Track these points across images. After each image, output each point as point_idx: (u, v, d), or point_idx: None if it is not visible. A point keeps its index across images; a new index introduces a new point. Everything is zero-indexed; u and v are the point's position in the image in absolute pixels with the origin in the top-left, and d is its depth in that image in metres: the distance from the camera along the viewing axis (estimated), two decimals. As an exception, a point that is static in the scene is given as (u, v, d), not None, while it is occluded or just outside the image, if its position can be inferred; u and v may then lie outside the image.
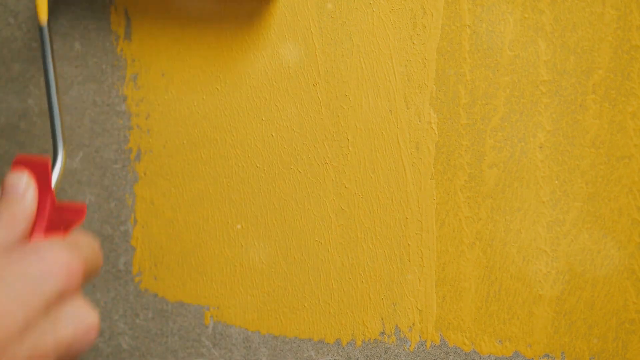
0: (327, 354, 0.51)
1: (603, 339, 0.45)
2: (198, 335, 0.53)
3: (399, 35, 0.46)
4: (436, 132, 0.46)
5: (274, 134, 0.50)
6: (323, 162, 0.49)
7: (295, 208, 0.50)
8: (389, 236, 0.48)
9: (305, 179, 0.50)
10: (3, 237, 0.34)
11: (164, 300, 0.54)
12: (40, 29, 0.48)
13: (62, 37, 0.53)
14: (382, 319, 0.49)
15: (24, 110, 0.55)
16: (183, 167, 0.52)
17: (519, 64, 0.44)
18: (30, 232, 0.36)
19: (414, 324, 0.48)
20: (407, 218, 0.48)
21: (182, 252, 0.53)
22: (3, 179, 0.37)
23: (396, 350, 0.49)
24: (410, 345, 0.49)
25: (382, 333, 0.49)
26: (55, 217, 0.38)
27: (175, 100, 0.52)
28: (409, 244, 0.48)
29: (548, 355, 0.46)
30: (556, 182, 0.45)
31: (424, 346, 0.48)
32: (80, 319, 0.34)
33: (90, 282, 0.55)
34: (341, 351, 0.50)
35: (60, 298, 0.33)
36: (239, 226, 0.51)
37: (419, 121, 0.47)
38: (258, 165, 0.50)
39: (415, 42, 0.46)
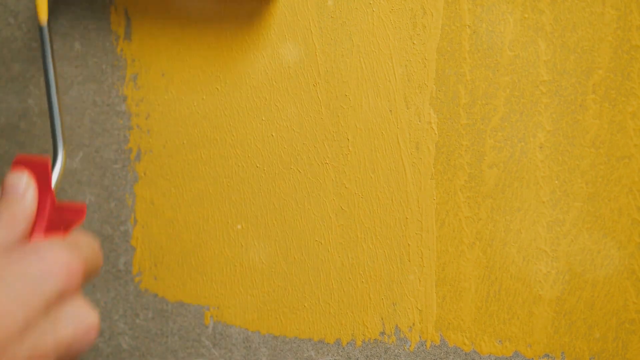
0: (327, 354, 0.51)
1: (603, 339, 0.45)
2: (198, 335, 0.53)
3: (399, 35, 0.46)
4: (436, 132, 0.46)
5: (274, 134, 0.50)
6: (323, 162, 0.49)
7: (295, 208, 0.50)
8: (389, 236, 0.48)
9: (305, 179, 0.50)
10: (3, 237, 0.34)
11: (164, 300, 0.54)
12: (40, 29, 0.48)
13: (62, 37, 0.53)
14: (382, 319, 0.49)
15: (24, 110, 0.55)
16: (183, 167, 0.52)
17: (519, 64, 0.44)
18: (30, 232, 0.36)
19: (414, 324, 0.48)
20: (407, 218, 0.48)
21: (182, 252, 0.53)
22: (3, 179, 0.37)
23: (396, 350, 0.49)
24: (410, 345, 0.49)
25: (382, 333, 0.49)
26: (55, 217, 0.38)
27: (175, 100, 0.52)
28: (409, 244, 0.48)
29: (548, 355, 0.46)
30: (556, 182, 0.45)
31: (424, 346, 0.48)
32: (80, 319, 0.34)
33: (90, 282, 0.55)
34: (341, 351, 0.50)
35: (60, 298, 0.33)
36: (239, 226, 0.51)
37: (419, 121, 0.47)
38: (258, 165, 0.50)
39: (415, 42, 0.46)
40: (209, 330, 0.53)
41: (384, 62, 0.47)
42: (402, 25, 0.46)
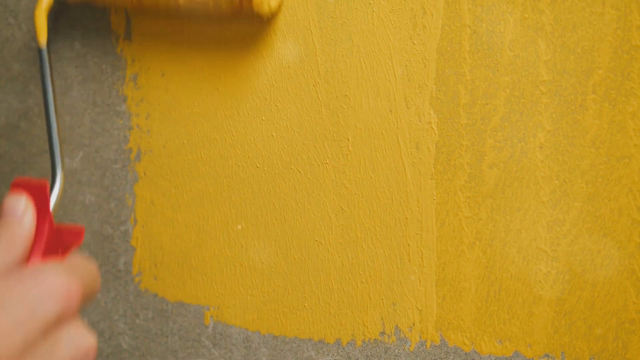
0: (327, 354, 0.51)
1: (603, 339, 0.45)
2: (198, 335, 0.53)
3: (399, 35, 0.46)
4: (436, 132, 0.46)
5: (274, 134, 0.50)
6: (323, 162, 0.49)
7: (295, 208, 0.50)
8: (389, 236, 0.48)
9: (305, 179, 0.50)
10: (1, 260, 0.34)
11: (164, 300, 0.54)
12: (40, 51, 0.46)
13: (62, 37, 0.53)
14: (382, 319, 0.49)
15: (24, 110, 0.55)
16: (183, 167, 0.52)
17: (519, 64, 0.44)
18: (28, 255, 0.36)
19: (414, 324, 0.48)
20: (407, 218, 0.48)
21: (182, 252, 0.53)
22: (1, 201, 0.37)
23: (396, 350, 0.49)
24: (410, 345, 0.49)
25: (382, 333, 0.49)
26: (53, 240, 0.37)
27: (175, 100, 0.52)
28: (409, 244, 0.48)
29: (548, 355, 0.46)
30: (556, 182, 0.45)
31: (424, 346, 0.48)
32: (78, 342, 0.34)
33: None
34: (341, 351, 0.50)
35: (58, 321, 0.33)
36: (239, 226, 0.51)
37: (419, 121, 0.47)
38: (258, 165, 0.50)
39: (415, 42, 0.46)
40: (209, 330, 0.53)
41: (384, 62, 0.47)
42: (402, 25, 0.46)
